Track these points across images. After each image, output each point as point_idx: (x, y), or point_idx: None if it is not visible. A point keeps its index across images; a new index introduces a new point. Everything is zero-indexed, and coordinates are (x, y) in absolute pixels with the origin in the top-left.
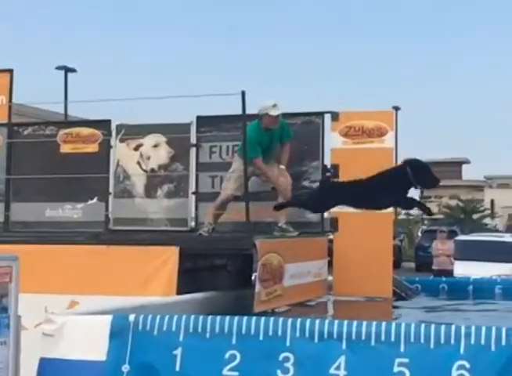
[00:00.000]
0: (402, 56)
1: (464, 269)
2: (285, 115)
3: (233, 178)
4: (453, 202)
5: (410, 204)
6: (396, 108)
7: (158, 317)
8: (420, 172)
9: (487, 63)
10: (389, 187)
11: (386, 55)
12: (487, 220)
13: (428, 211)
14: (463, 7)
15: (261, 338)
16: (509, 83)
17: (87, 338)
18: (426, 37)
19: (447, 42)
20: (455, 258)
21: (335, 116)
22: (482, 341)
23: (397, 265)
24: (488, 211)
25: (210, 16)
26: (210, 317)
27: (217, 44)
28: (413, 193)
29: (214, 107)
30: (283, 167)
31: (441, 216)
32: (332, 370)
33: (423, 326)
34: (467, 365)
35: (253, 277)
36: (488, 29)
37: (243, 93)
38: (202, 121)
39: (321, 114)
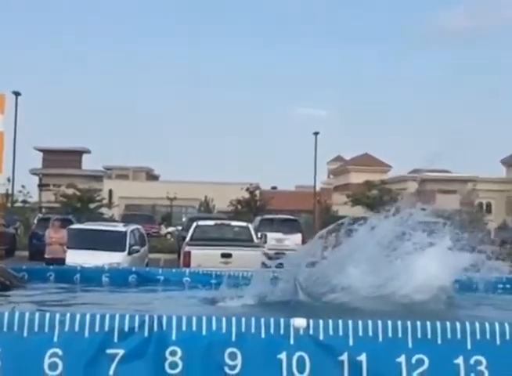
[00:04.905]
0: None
1: (77, 258)
2: None
3: None
4: (70, 191)
5: None
6: (16, 93)
7: None
8: None
9: (107, 56)
10: None
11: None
12: (104, 210)
13: None
14: None
15: None
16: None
17: None
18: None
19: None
20: (68, 247)
21: None
22: (76, 328)
23: (11, 253)
24: (106, 201)
25: None
26: None
27: None
28: None
29: None
30: None
31: (57, 205)
32: None
33: (17, 314)
34: (60, 352)
35: None
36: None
37: None
38: None
39: None
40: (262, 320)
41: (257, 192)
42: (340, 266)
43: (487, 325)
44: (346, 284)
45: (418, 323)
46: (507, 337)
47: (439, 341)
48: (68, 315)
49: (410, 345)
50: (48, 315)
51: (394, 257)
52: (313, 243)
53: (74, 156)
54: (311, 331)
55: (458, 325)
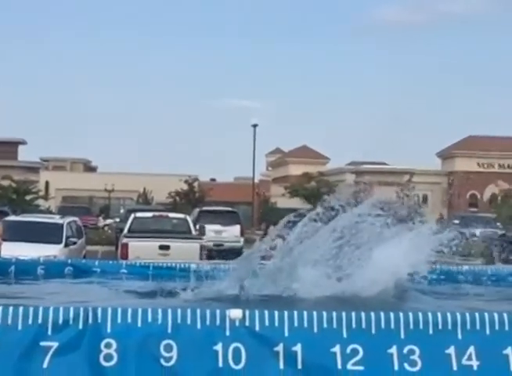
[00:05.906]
0: None
1: (13, 250)
2: None
3: None
4: (6, 183)
5: None
6: None
7: None
8: None
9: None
10: None
11: None
12: (41, 201)
13: None
14: None
15: None
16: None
17: None
18: None
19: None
20: (3, 239)
21: None
22: (9, 321)
23: None
24: (42, 193)
25: None
26: None
27: None
28: None
29: None
30: None
31: None
32: None
33: None
34: None
35: None
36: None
37: None
38: None
39: None
40: (198, 312)
41: (196, 184)
42: (289, 270)
43: (420, 315)
44: (292, 292)
45: (352, 313)
46: (440, 326)
47: (373, 331)
48: (0, 307)
49: (345, 335)
50: None
51: (345, 253)
52: (266, 242)
53: (10, 147)
54: (247, 322)
55: (392, 315)
